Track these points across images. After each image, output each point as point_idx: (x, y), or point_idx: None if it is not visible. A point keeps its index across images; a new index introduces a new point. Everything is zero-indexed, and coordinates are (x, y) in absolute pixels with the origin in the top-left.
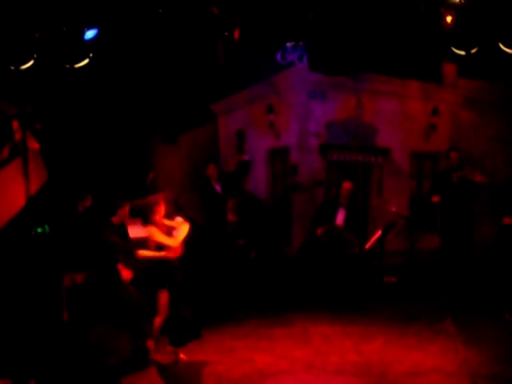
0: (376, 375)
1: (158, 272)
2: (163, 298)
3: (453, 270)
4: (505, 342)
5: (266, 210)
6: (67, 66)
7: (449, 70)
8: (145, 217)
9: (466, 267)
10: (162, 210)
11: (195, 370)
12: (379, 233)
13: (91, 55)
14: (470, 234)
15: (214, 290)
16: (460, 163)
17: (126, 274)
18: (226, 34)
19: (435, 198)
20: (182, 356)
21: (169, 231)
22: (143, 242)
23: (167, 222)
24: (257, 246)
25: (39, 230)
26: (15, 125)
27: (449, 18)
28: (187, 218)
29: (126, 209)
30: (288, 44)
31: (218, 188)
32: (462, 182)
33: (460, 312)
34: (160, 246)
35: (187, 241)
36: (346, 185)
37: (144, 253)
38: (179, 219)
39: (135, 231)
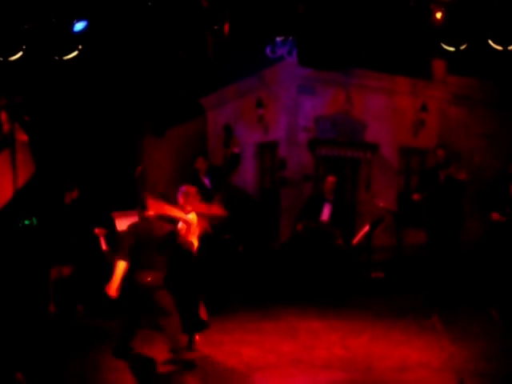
0: (363, 370)
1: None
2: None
3: (439, 266)
4: (491, 339)
5: (254, 204)
6: (56, 57)
7: (438, 66)
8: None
9: (452, 263)
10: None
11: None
12: (367, 228)
13: (80, 47)
14: (455, 231)
15: (201, 284)
16: (447, 160)
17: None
18: (216, 27)
19: (415, 196)
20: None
21: None
22: None
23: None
24: (244, 240)
25: (26, 222)
26: (3, 116)
27: (438, 14)
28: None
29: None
30: (278, 38)
31: (206, 181)
32: (447, 180)
33: (447, 308)
34: None
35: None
36: (330, 179)
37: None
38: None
39: (124, 224)
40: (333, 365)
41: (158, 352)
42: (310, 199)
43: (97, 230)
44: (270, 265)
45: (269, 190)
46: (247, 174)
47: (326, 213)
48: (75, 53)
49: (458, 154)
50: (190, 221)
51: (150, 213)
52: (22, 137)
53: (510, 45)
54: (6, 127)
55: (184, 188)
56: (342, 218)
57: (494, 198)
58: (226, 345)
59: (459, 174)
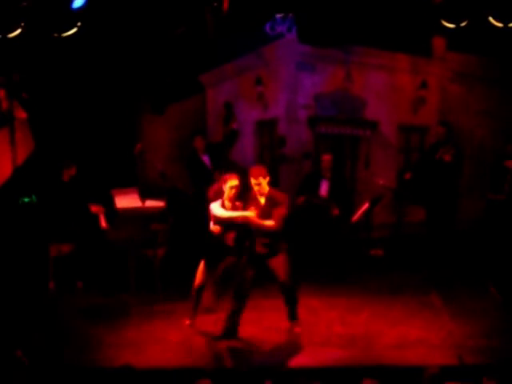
0: (362, 347)
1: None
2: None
3: (438, 244)
4: (490, 315)
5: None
6: (55, 34)
7: (438, 43)
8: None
9: (449, 241)
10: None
11: (181, 342)
12: (366, 205)
13: (79, 24)
14: (450, 209)
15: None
16: (447, 138)
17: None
18: (215, 4)
19: (407, 176)
20: None
21: None
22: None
23: None
24: None
25: (26, 199)
26: (2, 94)
27: None
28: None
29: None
30: (277, 15)
31: (205, 159)
32: (438, 161)
33: (446, 285)
34: None
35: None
36: (326, 157)
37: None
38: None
39: (124, 202)
40: (332, 342)
41: (156, 328)
42: (308, 176)
43: (93, 208)
44: None
45: (268, 167)
46: (247, 152)
47: (323, 190)
48: (74, 30)
49: (459, 131)
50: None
51: None
52: (21, 114)
53: (510, 22)
54: (4, 105)
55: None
56: (340, 195)
57: (492, 176)
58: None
59: (446, 156)
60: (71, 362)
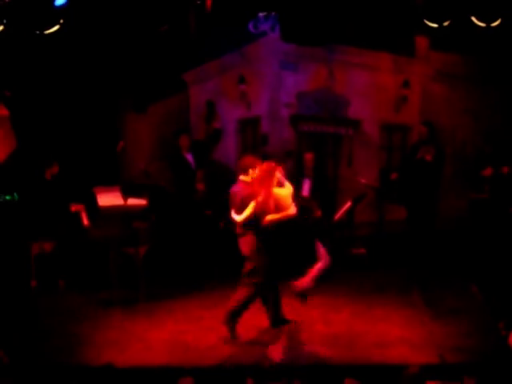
0: (343, 346)
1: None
2: None
3: (419, 242)
4: (470, 315)
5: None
6: (37, 32)
7: (421, 42)
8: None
9: (431, 239)
10: None
11: (164, 340)
12: (349, 204)
13: (62, 22)
14: (431, 207)
15: (183, 259)
16: (429, 137)
17: None
18: (198, 2)
19: (393, 176)
20: None
21: None
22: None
23: None
24: (226, 216)
25: (8, 197)
26: None
27: None
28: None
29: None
30: (260, 14)
31: (189, 158)
32: (419, 161)
33: (427, 284)
34: None
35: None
36: (308, 156)
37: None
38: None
39: (105, 200)
40: (314, 340)
41: (138, 326)
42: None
43: (75, 206)
44: None
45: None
46: (229, 150)
47: (305, 188)
48: (56, 27)
49: (442, 130)
50: None
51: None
52: (3, 112)
53: (492, 21)
54: None
55: None
56: (323, 194)
57: (474, 175)
58: (207, 320)
59: (427, 156)
60: (53, 361)
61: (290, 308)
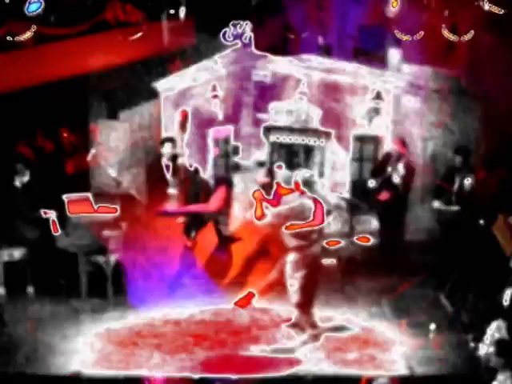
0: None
1: None
2: None
3: (389, 253)
4: (440, 326)
5: (210, 189)
6: (9, 38)
7: (393, 54)
8: None
9: (401, 250)
10: None
11: (132, 349)
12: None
13: (34, 28)
14: (401, 219)
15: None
16: (400, 152)
17: None
18: (172, 11)
19: (383, 196)
20: None
21: None
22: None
23: None
24: (199, 224)
25: None
26: None
27: (394, 3)
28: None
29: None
30: (233, 23)
31: (166, 167)
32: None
33: (397, 295)
34: None
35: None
36: (279, 167)
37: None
38: None
39: (76, 207)
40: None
41: (107, 335)
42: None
43: (45, 213)
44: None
45: (222, 175)
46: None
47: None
48: (29, 34)
49: (413, 143)
50: None
51: None
52: None
53: (463, 34)
54: None
55: None
56: None
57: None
58: None
59: (396, 173)
60: (20, 370)
61: (257, 326)
